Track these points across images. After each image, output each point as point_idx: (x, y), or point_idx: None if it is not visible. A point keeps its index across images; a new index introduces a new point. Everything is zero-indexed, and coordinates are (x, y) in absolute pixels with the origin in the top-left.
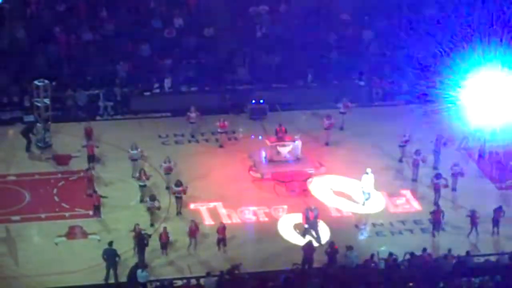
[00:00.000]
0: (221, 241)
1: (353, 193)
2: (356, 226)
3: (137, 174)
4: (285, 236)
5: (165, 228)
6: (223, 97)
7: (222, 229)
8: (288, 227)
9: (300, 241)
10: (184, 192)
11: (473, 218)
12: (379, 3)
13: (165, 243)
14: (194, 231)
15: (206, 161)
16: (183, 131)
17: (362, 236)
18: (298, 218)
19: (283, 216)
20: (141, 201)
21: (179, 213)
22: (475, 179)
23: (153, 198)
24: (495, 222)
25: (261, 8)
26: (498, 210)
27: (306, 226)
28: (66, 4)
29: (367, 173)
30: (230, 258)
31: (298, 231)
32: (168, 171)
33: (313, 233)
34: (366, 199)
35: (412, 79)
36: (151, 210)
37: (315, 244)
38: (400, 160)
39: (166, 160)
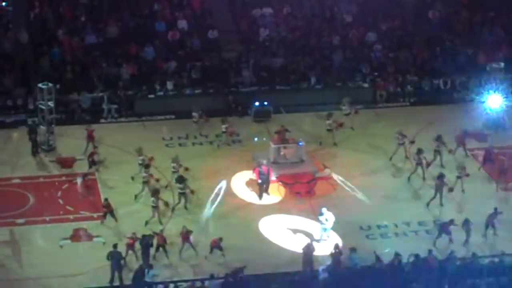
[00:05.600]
0: (215, 248)
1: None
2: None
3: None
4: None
5: (161, 230)
6: (227, 99)
7: (214, 241)
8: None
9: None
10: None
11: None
12: (383, 5)
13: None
14: (185, 236)
15: (211, 163)
16: (187, 133)
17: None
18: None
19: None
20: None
21: (185, 207)
22: (480, 181)
23: (155, 194)
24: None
25: (264, 10)
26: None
27: (260, 181)
28: (70, 7)
29: (322, 213)
30: (229, 261)
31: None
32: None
33: (265, 187)
34: (322, 237)
35: (416, 81)
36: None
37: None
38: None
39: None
